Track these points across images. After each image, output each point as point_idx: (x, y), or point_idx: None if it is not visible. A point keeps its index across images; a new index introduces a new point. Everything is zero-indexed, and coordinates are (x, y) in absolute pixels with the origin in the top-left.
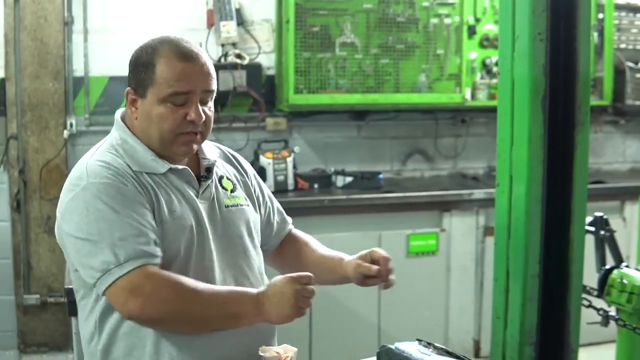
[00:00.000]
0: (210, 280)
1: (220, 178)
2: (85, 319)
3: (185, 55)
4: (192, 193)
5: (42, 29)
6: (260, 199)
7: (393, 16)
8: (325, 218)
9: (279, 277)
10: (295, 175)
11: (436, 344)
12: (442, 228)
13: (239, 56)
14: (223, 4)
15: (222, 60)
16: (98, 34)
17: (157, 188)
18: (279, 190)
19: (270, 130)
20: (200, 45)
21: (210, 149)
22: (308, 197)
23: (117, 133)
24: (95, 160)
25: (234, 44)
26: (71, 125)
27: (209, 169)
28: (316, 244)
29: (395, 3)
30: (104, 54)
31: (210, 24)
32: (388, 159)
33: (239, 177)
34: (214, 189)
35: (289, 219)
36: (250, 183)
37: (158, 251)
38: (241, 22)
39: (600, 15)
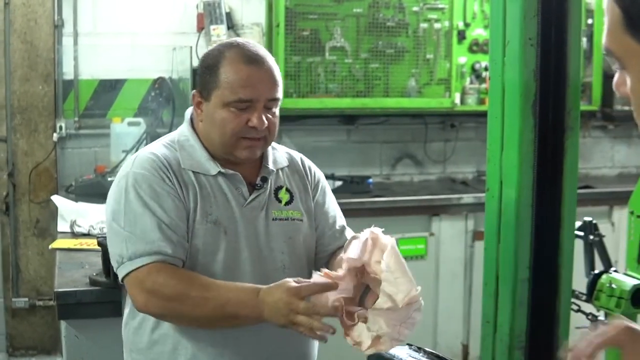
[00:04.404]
0: None
1: (279, 188)
2: (126, 301)
3: (250, 59)
4: (238, 200)
5: (32, 31)
6: (320, 207)
7: (383, 21)
8: None
9: (280, 284)
10: None
11: (426, 349)
12: (431, 232)
13: None
14: (213, 7)
15: None
16: (88, 37)
17: (199, 188)
18: None
19: None
20: (191, 49)
21: (281, 158)
22: None
23: (184, 129)
24: (148, 150)
25: None
26: (61, 128)
27: (265, 179)
28: None
29: (385, 8)
30: (94, 57)
31: (201, 28)
32: (377, 164)
33: (301, 188)
34: (265, 199)
35: (351, 234)
36: (313, 195)
37: (176, 250)
38: (231, 25)
39: (590, 21)
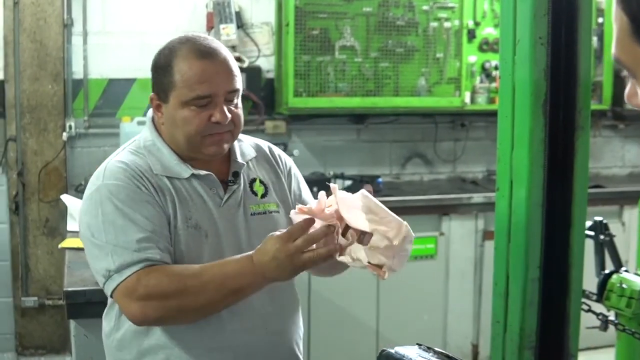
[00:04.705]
0: None
1: (252, 181)
2: (107, 312)
3: (202, 53)
4: (215, 200)
5: (41, 31)
6: (297, 198)
7: (392, 20)
8: None
9: (268, 240)
10: None
11: (436, 348)
12: (441, 232)
13: (238, 59)
14: (223, 6)
15: None
16: (97, 36)
17: (175, 194)
18: None
19: (269, 134)
20: None
21: (247, 148)
22: None
23: (147, 133)
24: (116, 160)
25: (233, 47)
26: (70, 127)
27: (237, 174)
28: None
29: (394, 7)
30: (103, 56)
31: (210, 27)
32: (387, 163)
33: (274, 179)
34: (241, 195)
35: None
36: (287, 185)
37: (164, 256)
38: (241, 25)
39: (600, 20)
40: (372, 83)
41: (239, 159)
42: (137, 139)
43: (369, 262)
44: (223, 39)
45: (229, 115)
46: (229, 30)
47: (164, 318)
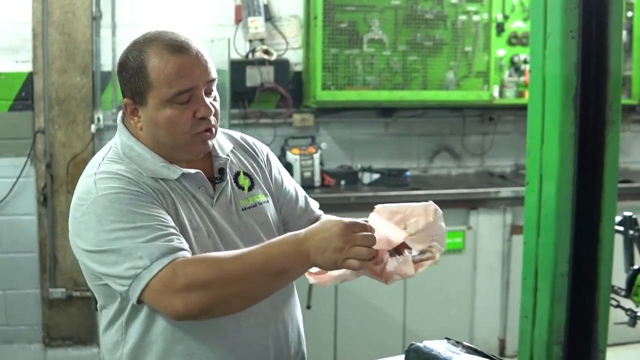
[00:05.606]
0: None
1: (237, 175)
2: (107, 327)
3: (176, 47)
4: (207, 199)
5: (70, 23)
6: (279, 186)
7: (421, 13)
8: (351, 215)
9: (328, 221)
10: (322, 171)
11: (465, 343)
12: (468, 226)
13: (266, 52)
14: None
15: (250, 56)
16: (126, 29)
17: (174, 195)
18: (305, 186)
19: (297, 127)
20: (229, 42)
21: (223, 141)
22: (334, 193)
23: (120, 139)
24: (102, 172)
25: (261, 40)
26: (98, 119)
27: (222, 170)
28: None
29: (423, 0)
30: None
31: (238, 20)
32: (415, 156)
33: (256, 168)
34: (229, 191)
35: (315, 204)
36: (268, 172)
37: (184, 244)
38: (269, 18)
39: (630, 14)
40: (400, 76)
41: (220, 154)
42: (111, 147)
43: (415, 261)
44: (251, 32)
45: (213, 109)
46: (257, 23)
47: (208, 309)
